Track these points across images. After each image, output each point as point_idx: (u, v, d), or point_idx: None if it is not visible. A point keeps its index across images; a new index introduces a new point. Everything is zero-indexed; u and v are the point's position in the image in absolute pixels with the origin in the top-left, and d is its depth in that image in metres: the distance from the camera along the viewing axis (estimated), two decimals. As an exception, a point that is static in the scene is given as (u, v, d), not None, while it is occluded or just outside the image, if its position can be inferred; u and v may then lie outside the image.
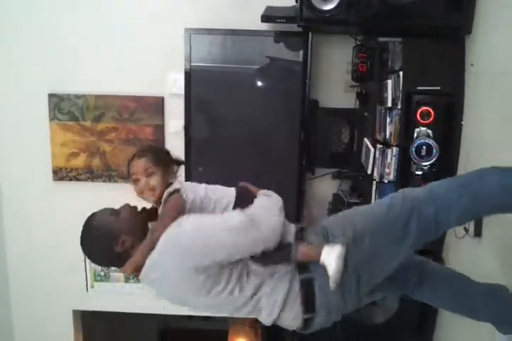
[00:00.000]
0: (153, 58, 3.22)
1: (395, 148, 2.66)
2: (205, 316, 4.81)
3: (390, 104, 2.67)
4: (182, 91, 3.09)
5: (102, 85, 3.29)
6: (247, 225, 1.50)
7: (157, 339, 7.30)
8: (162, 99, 3.29)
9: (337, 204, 3.16)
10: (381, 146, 2.75)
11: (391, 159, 2.69)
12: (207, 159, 3.19)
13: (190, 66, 3.04)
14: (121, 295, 3.66)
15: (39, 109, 3.34)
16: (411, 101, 2.57)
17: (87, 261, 3.37)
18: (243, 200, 1.68)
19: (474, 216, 1.96)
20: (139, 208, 1.72)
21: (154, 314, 3.86)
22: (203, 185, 1.77)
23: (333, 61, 3.19)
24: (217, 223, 1.53)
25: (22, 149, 3.43)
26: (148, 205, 1.77)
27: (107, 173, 3.41)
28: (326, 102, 3.22)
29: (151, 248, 1.51)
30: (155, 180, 1.70)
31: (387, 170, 2.74)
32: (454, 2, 2.49)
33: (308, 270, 1.58)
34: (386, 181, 2.76)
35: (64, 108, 3.33)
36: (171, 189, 1.67)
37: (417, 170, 2.59)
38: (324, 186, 3.33)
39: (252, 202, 1.65)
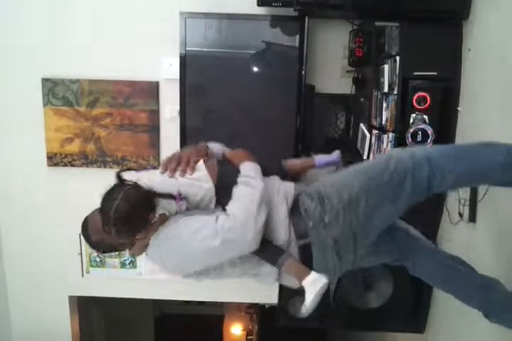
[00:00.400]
0: (148, 43, 3.18)
1: (390, 134, 2.65)
2: (201, 301, 4.85)
3: (386, 90, 2.66)
4: (177, 76, 3.07)
5: (96, 70, 3.25)
6: (224, 249, 1.53)
7: (153, 324, 7.37)
8: (157, 83, 3.26)
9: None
10: (377, 132, 2.74)
11: (387, 145, 2.68)
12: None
13: (186, 51, 3.01)
14: (117, 281, 3.66)
15: (33, 94, 3.30)
16: (407, 86, 2.56)
17: (83, 246, 3.42)
18: (224, 193, 1.66)
19: (468, 184, 2.03)
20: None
21: (150, 299, 3.87)
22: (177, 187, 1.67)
23: (329, 46, 3.17)
24: (196, 243, 1.55)
25: (16, 134, 3.40)
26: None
27: (102, 159, 3.39)
28: (323, 87, 3.21)
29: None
30: (137, 248, 1.68)
31: (382, 156, 2.74)
32: (452, -14, 2.47)
33: (305, 236, 1.65)
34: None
35: (58, 93, 3.29)
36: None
37: (412, 156, 2.58)
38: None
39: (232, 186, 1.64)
